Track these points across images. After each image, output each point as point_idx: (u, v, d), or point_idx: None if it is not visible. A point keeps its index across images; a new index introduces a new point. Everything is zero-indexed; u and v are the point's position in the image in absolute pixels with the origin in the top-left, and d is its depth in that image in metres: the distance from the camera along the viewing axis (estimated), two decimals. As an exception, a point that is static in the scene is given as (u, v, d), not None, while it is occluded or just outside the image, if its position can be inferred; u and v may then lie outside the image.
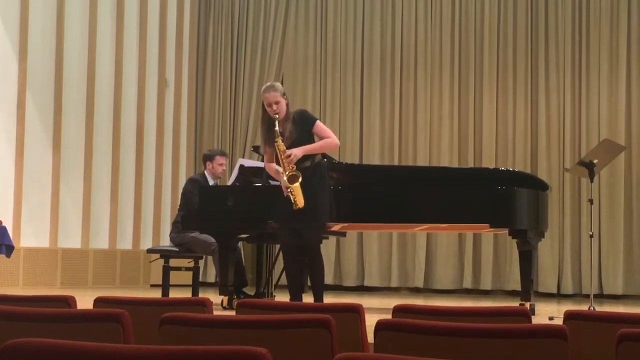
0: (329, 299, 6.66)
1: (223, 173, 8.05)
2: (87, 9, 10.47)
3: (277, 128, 5.82)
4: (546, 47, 10.65)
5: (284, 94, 5.94)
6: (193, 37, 11.99)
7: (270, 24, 11.71)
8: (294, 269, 6.09)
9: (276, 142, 5.80)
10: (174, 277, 7.45)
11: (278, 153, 5.82)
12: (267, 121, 5.96)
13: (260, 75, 11.66)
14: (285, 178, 5.77)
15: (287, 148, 5.81)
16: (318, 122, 6.03)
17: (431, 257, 10.77)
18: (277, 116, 5.85)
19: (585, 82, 10.46)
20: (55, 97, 10.09)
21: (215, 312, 3.70)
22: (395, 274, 10.83)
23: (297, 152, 5.81)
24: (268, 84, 6.11)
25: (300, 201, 5.75)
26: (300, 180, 5.74)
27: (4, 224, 7.83)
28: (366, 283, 10.94)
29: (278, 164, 5.91)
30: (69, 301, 3.30)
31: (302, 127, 5.94)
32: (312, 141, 5.96)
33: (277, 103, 5.87)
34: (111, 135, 10.74)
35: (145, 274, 10.85)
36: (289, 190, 5.76)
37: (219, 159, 7.82)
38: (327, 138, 5.97)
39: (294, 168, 5.77)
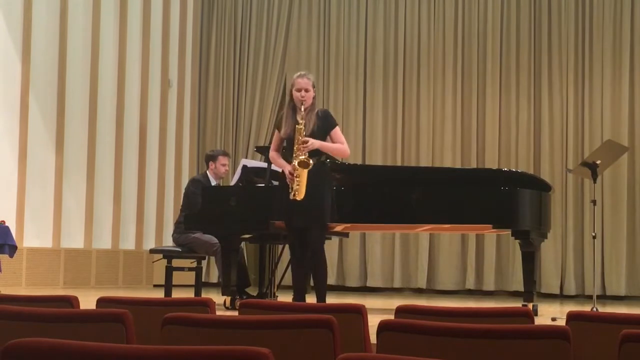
0: (331, 299, 6.65)
1: (226, 173, 8.05)
2: (90, 9, 10.48)
3: (302, 113, 5.87)
4: (549, 48, 10.64)
5: (314, 86, 6.01)
6: (196, 37, 11.99)
7: (273, 24, 11.71)
8: (298, 267, 6.10)
9: (299, 124, 5.83)
10: (177, 278, 7.45)
11: (296, 136, 5.83)
12: (292, 106, 6.00)
13: (263, 76, 11.66)
14: (295, 162, 5.77)
15: None
16: (338, 127, 6.08)
17: (434, 257, 10.77)
18: (303, 103, 5.90)
19: (588, 82, 10.45)
20: (58, 97, 10.10)
21: (218, 313, 3.71)
22: (397, 274, 10.83)
23: (315, 143, 5.83)
24: (303, 72, 6.19)
25: (301, 191, 5.75)
26: (310, 167, 5.74)
27: (7, 224, 7.84)
28: (369, 284, 10.94)
29: (287, 149, 5.92)
30: (71, 301, 3.30)
31: (323, 126, 5.99)
32: (326, 141, 5.98)
33: (307, 91, 5.93)
34: (114, 135, 10.75)
35: (147, 274, 10.86)
36: (295, 175, 5.76)
37: (222, 159, 7.82)
38: (342, 144, 6.01)
39: (307, 155, 5.78)
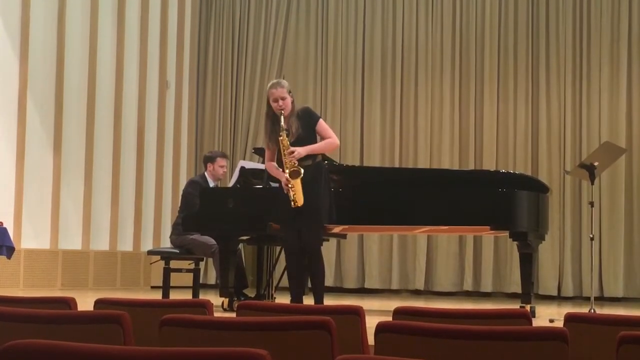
0: (329, 300, 6.66)
1: (224, 175, 8.05)
2: (88, 10, 10.48)
3: (282, 124, 5.84)
4: (547, 50, 10.65)
5: (289, 91, 5.96)
6: (194, 38, 11.99)
7: (271, 25, 11.71)
8: (295, 270, 6.10)
9: (280, 137, 5.83)
10: (175, 279, 7.45)
11: (281, 148, 5.84)
12: (272, 116, 5.98)
13: (261, 77, 11.66)
14: (287, 173, 5.78)
15: (292, 144, 5.83)
16: (321, 120, 6.06)
17: (432, 259, 10.77)
18: (282, 112, 5.86)
19: (586, 84, 10.46)
20: (56, 98, 10.09)
21: (216, 314, 3.70)
22: (395, 276, 10.83)
23: (301, 150, 5.82)
24: (274, 80, 6.15)
25: (299, 199, 5.77)
26: (301, 176, 5.75)
27: (4, 225, 7.83)
28: (367, 285, 10.94)
29: (279, 160, 5.93)
30: (69, 303, 3.30)
31: (307, 124, 5.97)
32: (314, 139, 5.98)
33: (283, 99, 5.88)
34: (112, 136, 10.74)
35: (145, 276, 10.85)
36: (289, 186, 5.77)
37: (220, 161, 7.83)
38: (329, 138, 5.99)
39: (296, 164, 5.78)
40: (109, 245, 10.66)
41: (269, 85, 6.05)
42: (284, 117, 5.87)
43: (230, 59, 11.89)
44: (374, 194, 6.76)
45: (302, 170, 5.75)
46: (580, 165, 6.86)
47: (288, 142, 5.82)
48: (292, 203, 5.77)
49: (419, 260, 10.72)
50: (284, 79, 11.31)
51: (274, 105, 5.91)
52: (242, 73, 11.82)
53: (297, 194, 5.76)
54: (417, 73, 11.13)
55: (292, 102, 5.97)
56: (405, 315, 3.13)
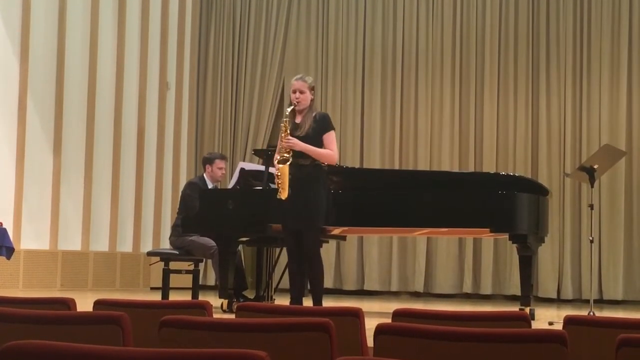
0: (328, 302, 6.65)
1: (222, 177, 8.06)
2: (89, 11, 10.48)
3: (288, 111, 6.03)
4: (547, 52, 10.66)
5: (312, 89, 6.10)
6: (194, 39, 11.99)
7: (272, 27, 11.72)
8: (295, 271, 6.12)
9: (283, 122, 5.97)
10: (174, 280, 7.45)
11: (281, 133, 5.96)
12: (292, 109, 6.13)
13: (262, 79, 11.67)
14: (277, 160, 5.88)
15: (298, 139, 5.93)
16: (332, 132, 6.14)
17: (431, 261, 10.77)
18: (296, 103, 6.01)
19: (586, 87, 10.46)
20: (57, 99, 10.10)
21: (215, 315, 3.70)
22: (395, 278, 10.83)
23: (299, 143, 5.90)
24: (301, 74, 6.38)
25: (284, 190, 5.82)
26: (288, 163, 5.81)
27: (4, 226, 7.83)
28: (366, 287, 10.94)
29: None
30: (68, 303, 3.30)
31: (319, 129, 6.05)
32: (320, 145, 6.02)
33: (301, 92, 6.04)
34: (112, 137, 10.75)
35: (145, 277, 10.85)
36: (276, 174, 5.86)
37: (219, 163, 7.83)
38: (331, 151, 6.04)
39: (289, 153, 5.84)
40: (109, 246, 10.66)
41: (294, 77, 6.25)
42: (299, 112, 6.04)
43: (231, 60, 11.89)
44: (373, 196, 6.76)
45: (289, 159, 5.81)
46: (580, 168, 6.87)
47: (288, 131, 5.92)
48: (278, 193, 5.85)
49: (419, 263, 10.72)
50: (284, 80, 11.38)
51: (291, 95, 6.09)
52: (243, 74, 11.83)
53: (282, 185, 5.84)
54: (417, 74, 11.13)
55: (312, 101, 6.09)
56: (405, 317, 3.14)
